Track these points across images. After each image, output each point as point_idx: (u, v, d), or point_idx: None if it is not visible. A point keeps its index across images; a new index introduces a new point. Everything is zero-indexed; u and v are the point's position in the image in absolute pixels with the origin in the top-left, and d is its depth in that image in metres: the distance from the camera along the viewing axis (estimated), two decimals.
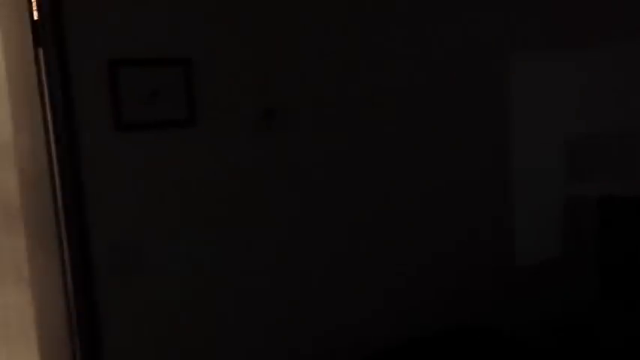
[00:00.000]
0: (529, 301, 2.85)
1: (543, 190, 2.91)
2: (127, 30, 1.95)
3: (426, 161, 2.56)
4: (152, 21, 1.98)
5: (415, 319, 2.57)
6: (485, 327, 2.55)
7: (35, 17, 1.88)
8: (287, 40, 2.20)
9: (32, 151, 1.89)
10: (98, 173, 1.94)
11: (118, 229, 1.97)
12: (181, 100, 2.03)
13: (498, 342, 2.42)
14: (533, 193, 2.86)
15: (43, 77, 1.89)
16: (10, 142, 1.86)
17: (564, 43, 2.89)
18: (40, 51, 1.88)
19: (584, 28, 2.94)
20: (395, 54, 2.44)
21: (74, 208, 1.91)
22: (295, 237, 2.28)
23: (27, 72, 1.86)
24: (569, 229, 2.97)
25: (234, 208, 2.15)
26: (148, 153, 2.00)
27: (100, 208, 1.94)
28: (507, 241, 2.80)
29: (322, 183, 2.32)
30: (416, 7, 2.48)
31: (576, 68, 2.94)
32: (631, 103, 3.12)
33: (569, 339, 2.83)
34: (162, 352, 2.06)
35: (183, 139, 2.05)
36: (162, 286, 2.05)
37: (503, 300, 2.79)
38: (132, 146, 1.98)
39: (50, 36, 1.86)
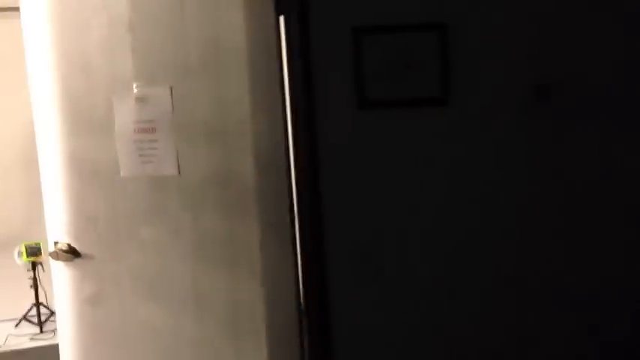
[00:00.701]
0: None
1: None
2: None
3: None
4: None
5: None
6: None
7: None
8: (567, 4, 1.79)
9: (269, 131, 1.72)
10: (337, 157, 1.75)
11: (357, 221, 1.78)
12: (434, 73, 1.74)
13: None
14: None
15: (283, 48, 1.71)
16: (247, 121, 1.70)
17: None
18: (282, 19, 1.70)
19: None
20: None
21: (310, 195, 1.74)
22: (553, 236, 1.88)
23: (268, 42, 1.68)
24: None
25: (503, 206, 1.82)
26: (394, 136, 1.77)
27: (337, 196, 1.76)
28: None
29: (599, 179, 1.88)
30: None
31: None
32: None
33: None
34: None
35: (436, 120, 1.78)
36: (401, 291, 1.81)
37: None
38: (375, 127, 1.76)
39: (293, 2, 1.67)
